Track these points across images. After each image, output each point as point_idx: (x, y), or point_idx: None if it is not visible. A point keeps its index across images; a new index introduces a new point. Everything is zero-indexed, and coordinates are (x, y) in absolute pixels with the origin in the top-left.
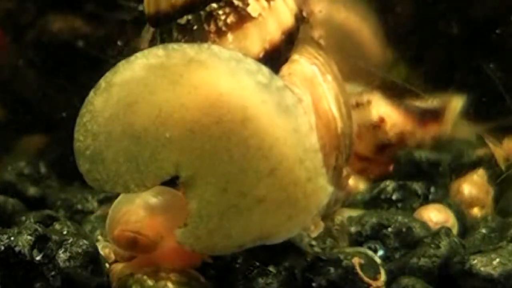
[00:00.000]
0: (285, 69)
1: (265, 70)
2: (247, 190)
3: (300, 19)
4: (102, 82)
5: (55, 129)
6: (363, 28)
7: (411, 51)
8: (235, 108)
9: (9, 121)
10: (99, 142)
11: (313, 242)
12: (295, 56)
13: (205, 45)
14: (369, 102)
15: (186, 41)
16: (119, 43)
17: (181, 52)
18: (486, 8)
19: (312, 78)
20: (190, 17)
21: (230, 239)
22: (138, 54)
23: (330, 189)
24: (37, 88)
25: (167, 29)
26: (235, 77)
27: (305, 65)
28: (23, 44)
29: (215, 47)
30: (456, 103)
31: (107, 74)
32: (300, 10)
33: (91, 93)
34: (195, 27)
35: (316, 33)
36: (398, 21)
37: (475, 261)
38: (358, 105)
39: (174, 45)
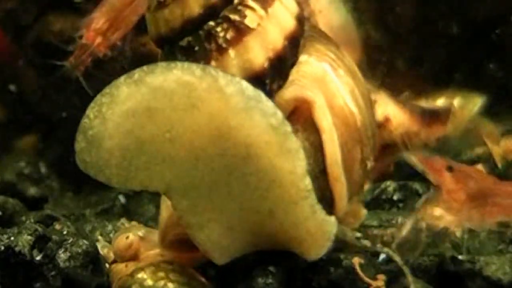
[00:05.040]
0: (294, 72)
1: (279, 114)
2: (255, 228)
3: (303, 19)
4: (136, 73)
5: (55, 129)
6: None
7: (410, 51)
8: (240, 143)
9: (9, 121)
10: (105, 128)
11: (358, 235)
12: (303, 57)
13: (237, 79)
14: (374, 101)
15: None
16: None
17: (213, 79)
18: (486, 8)
19: (323, 76)
20: (190, 38)
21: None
22: (179, 64)
23: (332, 219)
24: (37, 88)
25: (170, 51)
26: (248, 115)
27: (314, 64)
28: (23, 44)
29: (244, 83)
30: (474, 102)
31: (145, 67)
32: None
33: (122, 78)
34: (196, 48)
35: None
36: (398, 21)
37: (478, 261)
38: None
39: (211, 69)
